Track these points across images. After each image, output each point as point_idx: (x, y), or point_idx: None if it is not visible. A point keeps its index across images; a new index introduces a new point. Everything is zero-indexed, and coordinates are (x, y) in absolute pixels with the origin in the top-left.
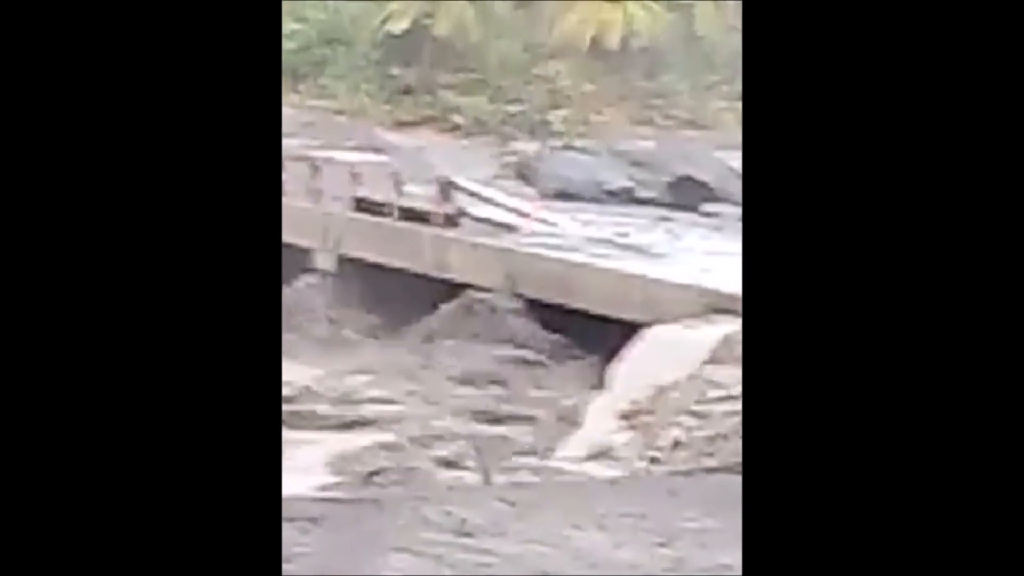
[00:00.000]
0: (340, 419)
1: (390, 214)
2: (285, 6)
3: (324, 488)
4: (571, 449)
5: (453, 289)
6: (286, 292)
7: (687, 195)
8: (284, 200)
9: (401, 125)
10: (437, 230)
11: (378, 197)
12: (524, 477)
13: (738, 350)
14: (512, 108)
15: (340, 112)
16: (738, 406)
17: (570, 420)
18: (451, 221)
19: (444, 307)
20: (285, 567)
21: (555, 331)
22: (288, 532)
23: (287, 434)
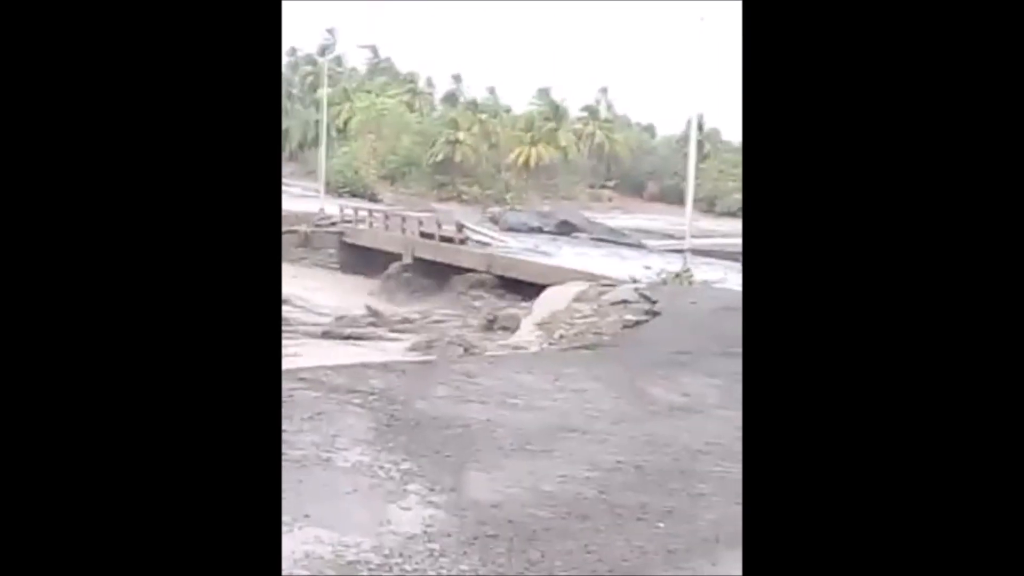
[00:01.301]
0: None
1: (435, 238)
2: (388, 147)
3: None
4: (515, 337)
5: (464, 271)
6: (390, 270)
7: (565, 229)
8: (389, 233)
9: (440, 200)
10: (456, 245)
11: (429, 230)
12: (494, 351)
13: (587, 296)
14: (488, 192)
15: (413, 195)
16: (587, 320)
17: (513, 327)
18: (463, 241)
19: (459, 279)
20: (389, 392)
21: (511, 290)
22: (390, 376)
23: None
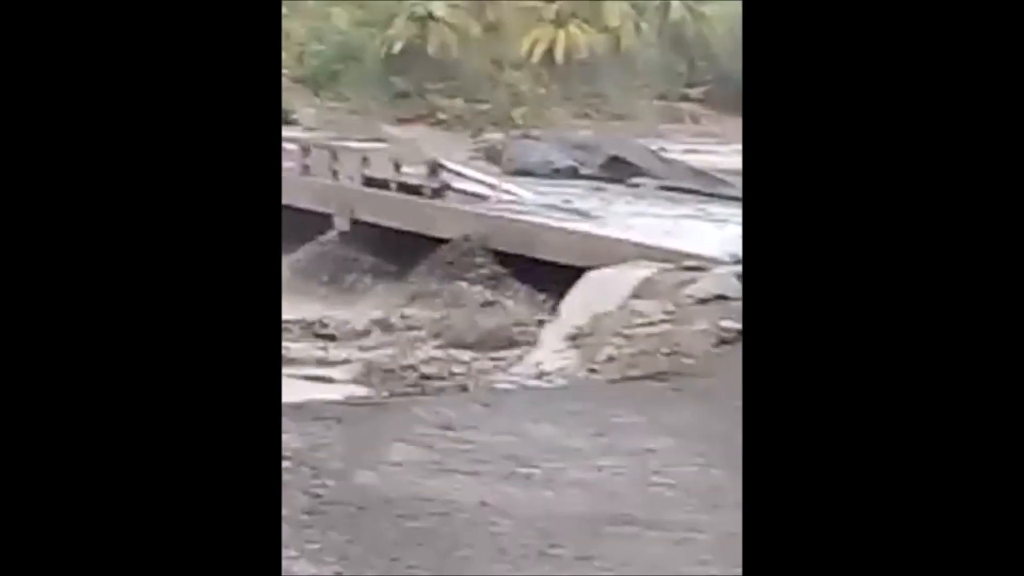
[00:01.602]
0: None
1: (391, 187)
2: (310, 31)
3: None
4: (529, 363)
5: (439, 244)
6: (311, 246)
7: (616, 171)
8: (310, 178)
9: (399, 121)
10: (427, 200)
11: (382, 175)
12: (493, 383)
13: (656, 287)
14: (483, 107)
15: (353, 112)
16: (655, 330)
17: (526, 342)
18: (437, 193)
19: (434, 258)
20: (314, 455)
21: (523, 277)
22: (315, 427)
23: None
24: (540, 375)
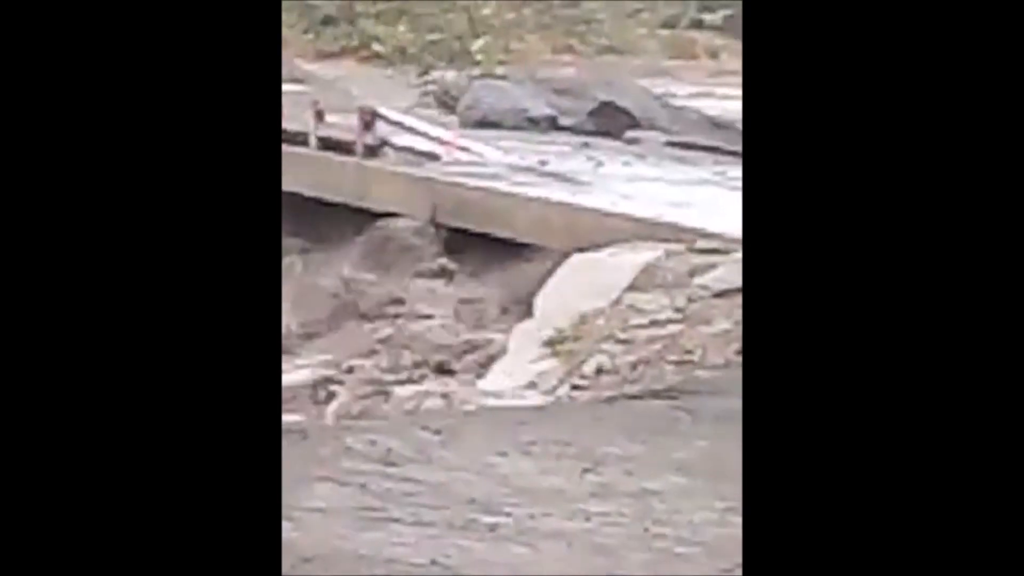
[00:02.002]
0: None
1: (310, 142)
2: None
3: None
4: (495, 376)
5: (374, 219)
6: None
7: (609, 122)
8: None
9: (321, 55)
10: (359, 160)
11: (296, 127)
12: (446, 404)
13: (661, 276)
14: (433, 37)
15: None
16: (660, 332)
17: (487, 350)
18: (373, 151)
19: (368, 237)
20: None
21: (486, 261)
22: None
23: None
24: (509, 392)
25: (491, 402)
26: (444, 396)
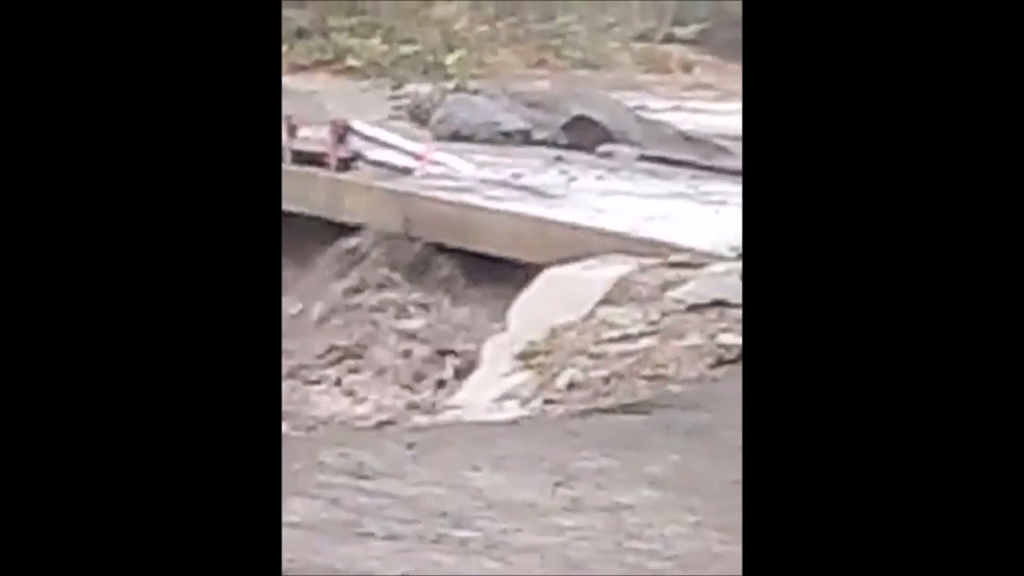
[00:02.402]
0: None
1: (284, 157)
2: None
3: None
4: (468, 390)
5: (346, 233)
6: None
7: (582, 136)
8: None
9: (294, 69)
10: (331, 174)
11: None
12: (419, 418)
13: (633, 290)
14: (406, 50)
15: None
16: (633, 346)
17: (459, 365)
18: (345, 164)
19: (336, 250)
20: None
21: (462, 277)
22: None
23: None
24: (481, 406)
25: (463, 416)
26: (416, 408)
